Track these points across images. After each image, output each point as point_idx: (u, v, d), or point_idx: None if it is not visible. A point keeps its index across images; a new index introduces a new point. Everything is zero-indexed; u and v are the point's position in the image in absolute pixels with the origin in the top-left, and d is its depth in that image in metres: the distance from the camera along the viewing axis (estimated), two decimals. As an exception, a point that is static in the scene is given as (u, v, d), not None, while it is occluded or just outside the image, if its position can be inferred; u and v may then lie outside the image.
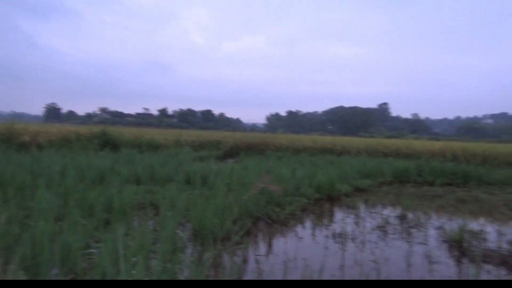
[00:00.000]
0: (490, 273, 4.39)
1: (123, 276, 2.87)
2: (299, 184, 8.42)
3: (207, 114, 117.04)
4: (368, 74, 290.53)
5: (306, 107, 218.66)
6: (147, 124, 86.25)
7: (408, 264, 4.61)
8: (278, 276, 3.93)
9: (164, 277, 3.18)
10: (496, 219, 7.18)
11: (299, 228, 6.12)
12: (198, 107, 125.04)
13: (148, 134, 21.25)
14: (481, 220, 7.14)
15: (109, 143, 15.48)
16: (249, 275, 4.06)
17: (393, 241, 5.60)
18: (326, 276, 4.07)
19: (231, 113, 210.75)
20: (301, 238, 5.59)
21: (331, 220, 6.80)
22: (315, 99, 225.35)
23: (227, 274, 3.66)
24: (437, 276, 4.27)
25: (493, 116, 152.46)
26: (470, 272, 4.36)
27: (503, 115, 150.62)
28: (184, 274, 3.51)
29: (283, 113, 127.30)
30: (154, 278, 3.06)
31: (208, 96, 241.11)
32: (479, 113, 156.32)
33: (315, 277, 3.36)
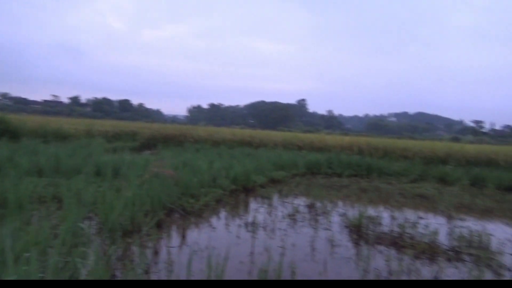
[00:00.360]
0: (381, 252, 4.92)
1: (10, 272, 2.64)
2: (216, 176, 8.48)
3: (125, 104, 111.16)
4: (289, 71, 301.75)
5: (228, 101, 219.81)
6: (56, 112, 78.93)
7: (312, 248, 4.95)
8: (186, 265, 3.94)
9: (63, 272, 3.00)
10: (391, 206, 8.01)
11: (213, 219, 6.19)
12: (115, 96, 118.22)
13: (55, 123, 19.55)
14: (379, 207, 7.92)
15: (7, 132, 13.92)
16: (159, 267, 4.01)
17: (301, 228, 5.96)
18: (234, 263, 4.20)
19: (151, 104, 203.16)
20: (214, 228, 5.66)
21: (245, 210, 6.98)
22: (237, 93, 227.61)
23: (135, 267, 3.58)
24: (336, 257, 4.66)
25: (396, 115, 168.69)
26: (365, 253, 4.82)
27: (404, 114, 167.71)
28: (87, 268, 3.35)
29: (205, 105, 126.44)
30: (50, 273, 2.86)
31: (126, 85, 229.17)
32: (385, 112, 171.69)
33: (221, 264, 3.43)
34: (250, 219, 6.17)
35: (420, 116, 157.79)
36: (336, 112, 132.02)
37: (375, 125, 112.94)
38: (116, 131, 20.35)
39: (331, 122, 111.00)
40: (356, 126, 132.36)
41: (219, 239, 5.12)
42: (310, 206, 7.46)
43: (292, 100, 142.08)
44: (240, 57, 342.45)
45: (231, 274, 3.86)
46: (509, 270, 4.58)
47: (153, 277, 3.73)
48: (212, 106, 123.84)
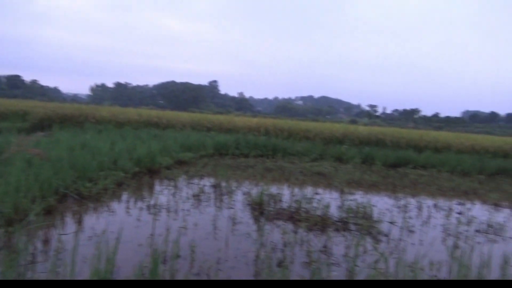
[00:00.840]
0: (279, 227, 5.23)
1: None
2: (118, 158, 8.08)
3: (15, 80, 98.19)
4: (200, 52, 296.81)
5: (136, 80, 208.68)
6: None
7: (214, 227, 5.05)
8: (81, 253, 3.72)
9: None
10: (292, 184, 8.51)
11: (113, 203, 5.91)
12: (1, 71, 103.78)
13: None
14: (281, 185, 8.36)
15: None
16: (47, 256, 3.73)
17: (205, 208, 6.02)
18: (132, 246, 4.10)
19: (47, 81, 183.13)
20: (113, 212, 5.43)
21: (148, 193, 6.80)
22: (146, 72, 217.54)
23: (17, 257, 3.27)
24: (237, 234, 4.83)
25: (302, 98, 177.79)
26: (265, 228, 5.08)
27: (310, 98, 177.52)
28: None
29: (110, 84, 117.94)
30: None
31: (16, 59, 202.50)
32: (293, 95, 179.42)
33: (113, 247, 3.30)
34: (153, 201, 6.03)
35: (324, 99, 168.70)
36: (247, 94, 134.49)
37: (284, 107, 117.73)
38: (2, 109, 18.01)
39: (242, 104, 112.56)
40: (266, 109, 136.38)
41: (118, 223, 4.92)
42: (215, 186, 7.56)
43: (203, 81, 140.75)
44: (149, 34, 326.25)
45: (128, 257, 3.77)
46: (385, 235, 5.23)
47: (40, 266, 3.45)
48: (118, 85, 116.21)
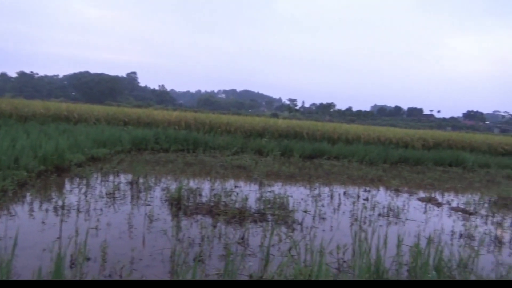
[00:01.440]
0: (198, 221, 5.21)
1: None
2: (19, 156, 7.32)
3: None
4: (118, 41, 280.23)
5: (44, 70, 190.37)
6: None
7: (129, 226, 4.87)
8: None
9: None
10: (212, 178, 8.51)
11: (13, 206, 5.37)
12: None
13: None
14: (201, 179, 8.33)
15: None
16: None
17: (120, 206, 5.76)
18: (35, 252, 3.78)
19: None
20: (13, 216, 4.93)
21: (56, 193, 6.30)
22: (56, 61, 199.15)
23: None
24: (153, 231, 4.71)
25: (225, 92, 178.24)
26: (182, 224, 5.02)
27: (233, 91, 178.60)
28: None
29: (12, 74, 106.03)
30: None
31: None
32: (216, 88, 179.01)
33: (9, 254, 3.01)
34: (60, 202, 5.59)
35: (246, 93, 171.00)
36: (169, 87, 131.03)
37: (206, 101, 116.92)
38: None
39: (163, 97, 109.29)
40: (189, 102, 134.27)
41: (18, 228, 4.47)
42: (132, 183, 7.26)
43: (121, 72, 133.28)
44: (60, 20, 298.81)
45: (29, 263, 3.46)
46: (299, 224, 5.52)
47: None
48: (22, 75, 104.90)
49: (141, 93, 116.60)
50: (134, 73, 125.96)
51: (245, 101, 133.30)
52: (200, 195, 6.71)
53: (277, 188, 8.01)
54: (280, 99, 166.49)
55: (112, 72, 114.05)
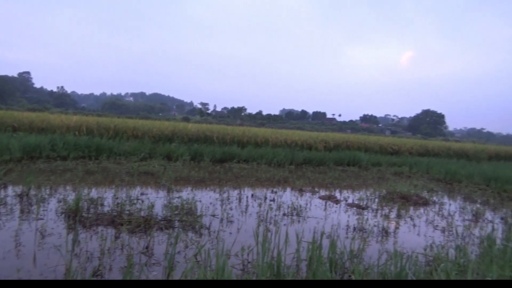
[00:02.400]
0: (98, 233, 4.90)
1: None
2: None
3: None
4: (7, 37, 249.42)
5: None
6: None
7: (17, 244, 4.38)
8: None
9: None
10: (116, 186, 8.08)
11: None
12: None
13: None
14: (103, 188, 7.85)
15: None
16: None
17: (6, 222, 5.15)
18: None
19: None
20: None
21: None
22: None
23: None
24: (46, 247, 4.30)
25: (133, 95, 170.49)
26: (81, 237, 4.68)
27: (142, 94, 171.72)
28: None
29: None
30: None
31: None
32: (123, 91, 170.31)
33: None
34: None
35: (156, 96, 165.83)
36: (70, 89, 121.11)
37: (112, 104, 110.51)
38: None
39: (62, 99, 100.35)
40: (92, 105, 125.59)
41: None
42: (22, 196, 6.54)
43: (11, 72, 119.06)
44: None
45: None
46: (207, 228, 5.53)
47: None
48: None
49: (36, 95, 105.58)
50: (28, 73, 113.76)
51: (155, 105, 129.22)
52: (102, 205, 6.31)
53: (186, 193, 7.93)
54: (191, 103, 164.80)
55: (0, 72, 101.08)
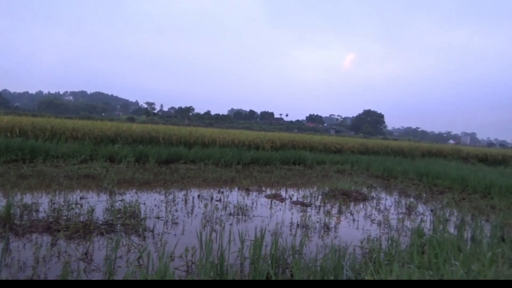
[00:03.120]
0: (32, 241, 4.63)
1: None
2: None
3: None
4: None
5: None
6: None
7: None
8: None
9: None
10: (53, 190, 7.66)
11: None
12: None
13: None
14: (39, 193, 7.40)
15: None
16: None
17: None
18: None
19: None
20: None
21: None
22: None
23: None
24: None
25: (73, 94, 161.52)
26: (13, 246, 4.40)
27: (83, 93, 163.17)
28: None
29: None
30: None
31: None
32: (61, 90, 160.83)
33: None
34: None
35: (98, 95, 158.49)
36: (0, 87, 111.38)
37: (50, 103, 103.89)
38: None
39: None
40: (27, 105, 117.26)
41: None
42: None
43: None
44: None
45: None
46: (151, 231, 5.43)
47: None
48: None
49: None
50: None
51: (98, 104, 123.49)
52: (37, 211, 5.96)
53: (130, 196, 7.71)
54: (137, 102, 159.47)
55: None
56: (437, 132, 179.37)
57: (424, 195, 10.94)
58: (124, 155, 13.07)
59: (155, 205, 7.10)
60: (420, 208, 8.93)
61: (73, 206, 6.10)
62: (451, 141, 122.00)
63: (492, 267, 3.07)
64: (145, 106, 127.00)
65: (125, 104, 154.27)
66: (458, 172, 13.88)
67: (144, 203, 7.07)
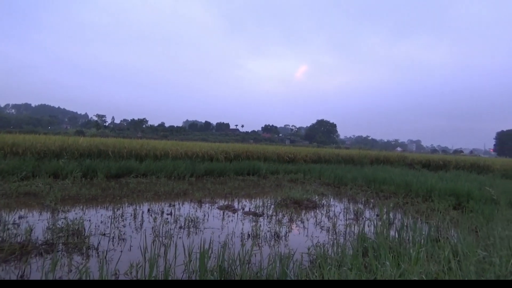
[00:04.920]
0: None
1: None
2: None
3: None
4: None
5: None
6: None
7: None
8: None
9: None
10: (-12, 210, 7.14)
11: None
12: None
13: None
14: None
15: None
16: None
17: None
18: None
19: None
20: None
21: None
22: None
23: None
24: None
25: (16, 106, 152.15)
26: None
27: (26, 106, 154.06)
28: None
29: None
30: None
31: None
32: (2, 102, 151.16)
33: None
34: None
35: (44, 108, 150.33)
36: None
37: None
38: None
39: None
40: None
41: None
42: None
43: None
44: None
45: None
46: (95, 249, 5.22)
47: None
48: None
49: None
50: None
51: (43, 118, 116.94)
52: (-33, 233, 5.52)
53: (74, 213, 7.36)
54: (86, 115, 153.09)
55: None
56: (385, 140, 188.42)
57: (372, 200, 11.42)
58: (70, 170, 12.46)
59: (102, 222, 6.83)
60: (367, 213, 9.31)
61: (9, 226, 5.72)
62: (399, 149, 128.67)
63: (417, 264, 3.29)
64: (95, 118, 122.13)
65: (73, 117, 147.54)
66: (403, 178, 14.64)
67: (90, 220, 6.79)
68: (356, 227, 7.49)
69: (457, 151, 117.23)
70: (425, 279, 3.05)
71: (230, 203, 9.41)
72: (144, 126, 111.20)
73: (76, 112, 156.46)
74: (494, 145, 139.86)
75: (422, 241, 5.48)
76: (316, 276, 3.53)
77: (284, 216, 8.34)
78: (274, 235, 6.59)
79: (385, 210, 8.72)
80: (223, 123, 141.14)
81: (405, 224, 6.71)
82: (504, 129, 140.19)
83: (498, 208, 9.21)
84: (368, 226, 7.05)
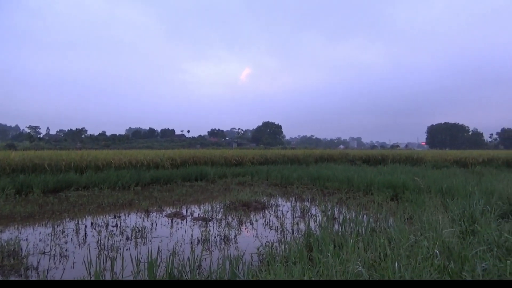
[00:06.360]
0: None
1: None
2: None
3: None
4: None
5: None
6: None
7: None
8: None
9: None
10: None
11: None
12: None
13: None
14: None
15: None
16: None
17: None
18: None
19: None
20: None
21: None
22: None
23: None
24: None
25: None
26: None
27: None
28: None
29: None
30: None
31: None
32: None
33: None
34: None
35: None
36: None
37: None
38: None
39: None
40: None
41: None
42: None
43: None
44: None
45: None
46: (35, 269, 4.93)
47: None
48: None
49: None
50: None
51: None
52: None
53: (8, 233, 6.86)
54: (17, 127, 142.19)
55: None
56: (329, 139, 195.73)
57: (317, 197, 11.86)
58: (2, 187, 11.55)
59: (41, 240, 6.45)
60: (313, 210, 9.67)
61: None
62: (341, 146, 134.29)
63: (354, 252, 3.53)
64: (28, 130, 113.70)
65: (2, 130, 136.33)
66: (345, 174, 15.38)
67: (27, 239, 6.39)
68: (302, 224, 7.76)
69: (394, 146, 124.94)
70: (361, 268, 3.29)
71: (178, 210, 9.30)
72: (83, 136, 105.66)
73: (5, 125, 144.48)
74: (426, 138, 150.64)
75: (363, 232, 5.84)
76: (264, 273, 3.64)
77: (234, 219, 8.41)
78: (224, 238, 6.64)
79: (329, 206, 9.15)
80: (168, 129, 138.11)
81: (347, 217, 7.09)
82: (434, 123, 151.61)
83: (430, 197, 10.02)
84: (314, 222, 7.35)
